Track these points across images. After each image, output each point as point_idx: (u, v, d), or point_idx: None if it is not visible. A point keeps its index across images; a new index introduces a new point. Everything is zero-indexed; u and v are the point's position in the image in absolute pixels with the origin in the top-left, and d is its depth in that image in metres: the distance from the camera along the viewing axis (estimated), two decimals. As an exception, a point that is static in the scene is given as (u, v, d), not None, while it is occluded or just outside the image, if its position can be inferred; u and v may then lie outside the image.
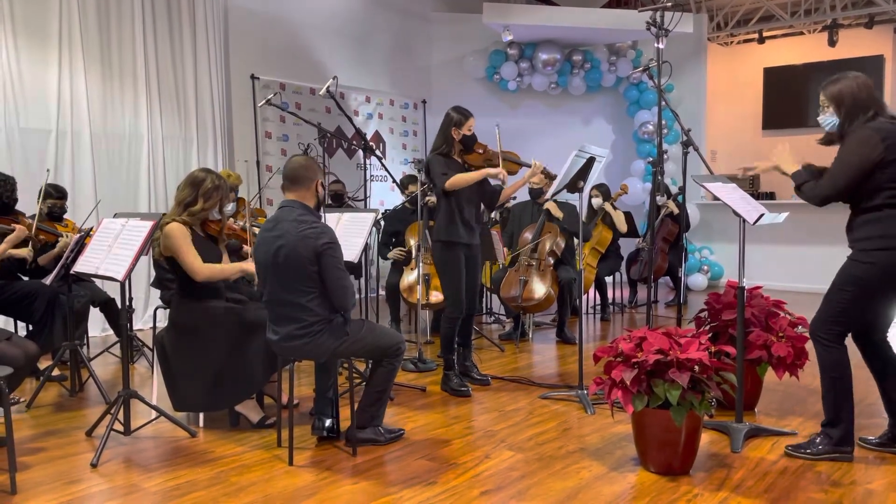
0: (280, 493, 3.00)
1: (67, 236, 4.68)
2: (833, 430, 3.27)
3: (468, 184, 4.34)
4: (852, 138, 3.14)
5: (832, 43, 10.60)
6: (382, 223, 6.38)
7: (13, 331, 4.74)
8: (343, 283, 3.33)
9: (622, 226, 7.08)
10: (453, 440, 3.64)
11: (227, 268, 3.78)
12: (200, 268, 3.64)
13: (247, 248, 4.17)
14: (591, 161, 4.27)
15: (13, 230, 4.39)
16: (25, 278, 4.83)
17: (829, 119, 3.25)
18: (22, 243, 4.53)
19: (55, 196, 5.04)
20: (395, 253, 6.21)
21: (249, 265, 3.72)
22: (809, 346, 3.87)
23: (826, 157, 3.33)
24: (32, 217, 4.65)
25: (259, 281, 3.46)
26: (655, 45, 4.85)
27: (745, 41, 11.89)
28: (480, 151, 4.50)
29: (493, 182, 4.58)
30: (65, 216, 5.11)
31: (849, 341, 3.28)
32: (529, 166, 4.49)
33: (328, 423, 3.60)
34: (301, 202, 3.39)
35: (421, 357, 5.16)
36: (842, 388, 3.23)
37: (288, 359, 3.42)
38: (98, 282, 5.14)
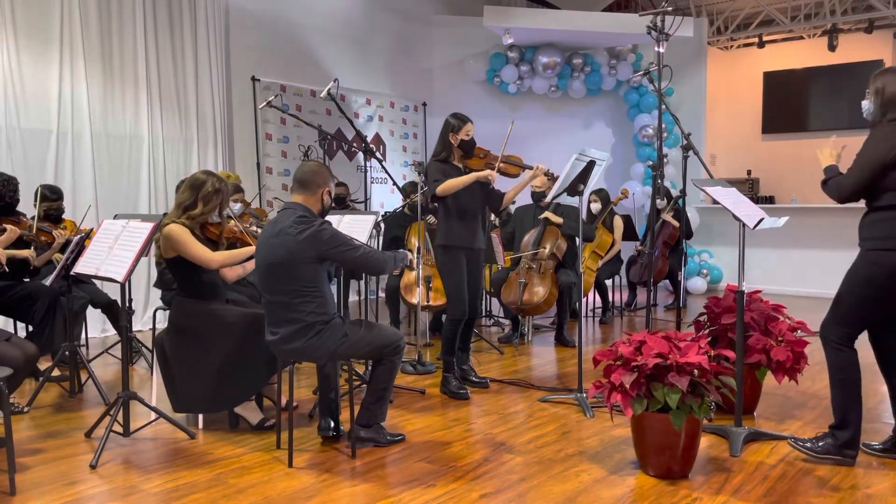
0: (279, 495, 3.00)
1: (61, 235, 4.67)
2: (840, 432, 3.25)
3: (459, 188, 4.36)
4: (874, 134, 3.13)
5: (832, 47, 10.62)
6: (382, 226, 6.38)
7: (13, 331, 4.74)
8: (364, 257, 3.37)
9: (618, 233, 7.14)
10: (453, 443, 3.65)
11: (237, 252, 3.80)
12: (212, 256, 3.65)
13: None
14: (591, 164, 4.27)
15: (4, 230, 4.35)
16: (28, 280, 4.83)
17: (866, 105, 3.23)
18: (23, 244, 4.53)
19: (51, 198, 5.01)
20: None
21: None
22: (808, 350, 3.89)
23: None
24: (33, 218, 4.65)
25: (258, 283, 3.46)
26: (656, 48, 4.86)
27: (745, 45, 11.92)
28: (481, 156, 4.52)
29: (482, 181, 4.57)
30: (63, 216, 5.11)
31: (864, 345, 3.27)
32: (531, 169, 4.49)
33: (333, 423, 3.61)
34: (304, 206, 3.39)
35: (420, 359, 5.16)
36: (850, 391, 3.22)
37: (287, 360, 3.43)
38: (98, 283, 5.15)
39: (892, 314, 3.25)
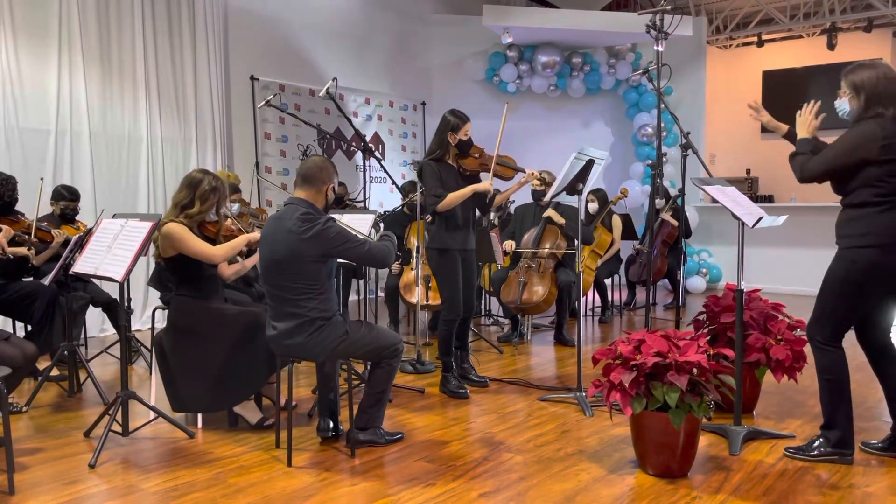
0: (279, 495, 3.00)
1: (60, 234, 4.67)
2: (830, 432, 3.27)
3: (459, 202, 4.37)
4: (855, 129, 3.12)
5: (831, 46, 10.62)
6: (381, 225, 6.37)
7: (11, 331, 4.74)
8: (370, 251, 3.38)
9: (617, 233, 7.14)
10: (452, 442, 3.64)
11: (237, 241, 3.80)
12: (214, 251, 3.66)
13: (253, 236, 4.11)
14: (590, 163, 4.27)
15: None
16: (28, 279, 4.82)
17: (842, 105, 3.22)
18: (18, 244, 4.51)
19: (68, 198, 5.10)
20: (395, 266, 6.23)
21: (255, 235, 3.73)
22: (807, 348, 3.89)
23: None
24: (35, 219, 4.64)
25: (261, 277, 3.46)
26: (655, 47, 4.85)
27: (745, 44, 11.93)
28: (476, 156, 4.52)
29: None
30: (77, 217, 5.15)
31: (852, 344, 3.28)
32: (524, 171, 4.51)
33: (333, 424, 3.61)
34: (308, 201, 3.39)
35: (419, 359, 5.16)
36: (837, 390, 3.23)
37: (287, 359, 3.42)
38: (97, 282, 5.14)
39: (872, 311, 3.26)
